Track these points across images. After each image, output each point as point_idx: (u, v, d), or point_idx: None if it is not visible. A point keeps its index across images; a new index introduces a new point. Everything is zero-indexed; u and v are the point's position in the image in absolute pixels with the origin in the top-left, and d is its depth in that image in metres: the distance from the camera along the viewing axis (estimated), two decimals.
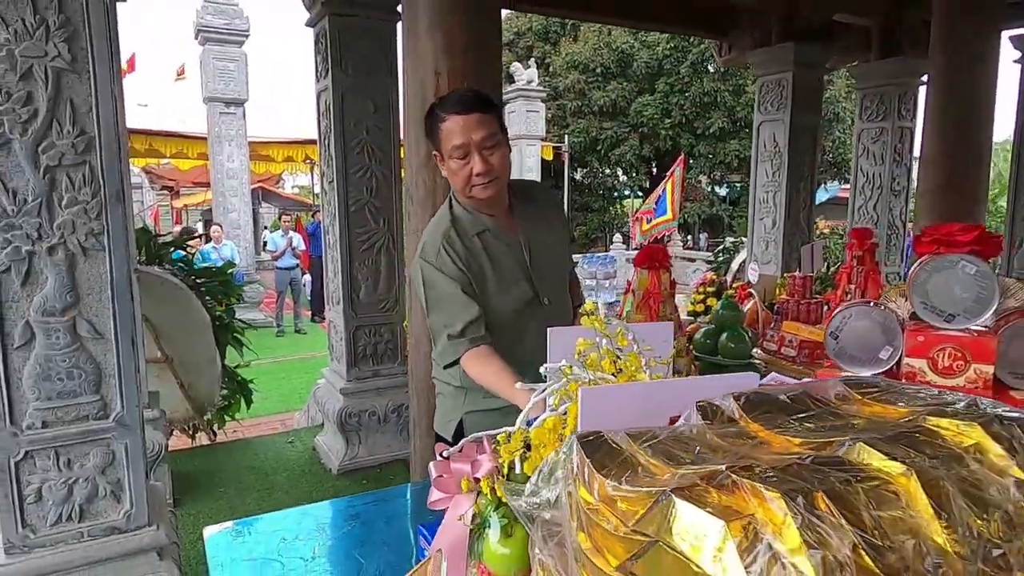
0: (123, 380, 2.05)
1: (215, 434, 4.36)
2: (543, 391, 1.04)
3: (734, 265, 6.89)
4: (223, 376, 4.15)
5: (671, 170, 14.05)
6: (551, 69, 17.81)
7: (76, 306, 1.97)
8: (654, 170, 17.78)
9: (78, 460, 2.02)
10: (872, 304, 1.60)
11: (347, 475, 3.81)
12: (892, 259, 6.31)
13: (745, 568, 0.43)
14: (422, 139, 2.52)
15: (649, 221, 14.26)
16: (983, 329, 1.46)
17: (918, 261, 1.51)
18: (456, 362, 1.70)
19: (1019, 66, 5.08)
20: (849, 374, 1.53)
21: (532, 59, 14.84)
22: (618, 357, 1.19)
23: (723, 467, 0.51)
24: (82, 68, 1.91)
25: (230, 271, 4.15)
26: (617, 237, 15.07)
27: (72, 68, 1.90)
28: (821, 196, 20.40)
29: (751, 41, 5.69)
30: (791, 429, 0.62)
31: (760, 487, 0.47)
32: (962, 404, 0.67)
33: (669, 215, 14.47)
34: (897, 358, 1.54)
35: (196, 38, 10.20)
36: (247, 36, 10.17)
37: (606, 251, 15.57)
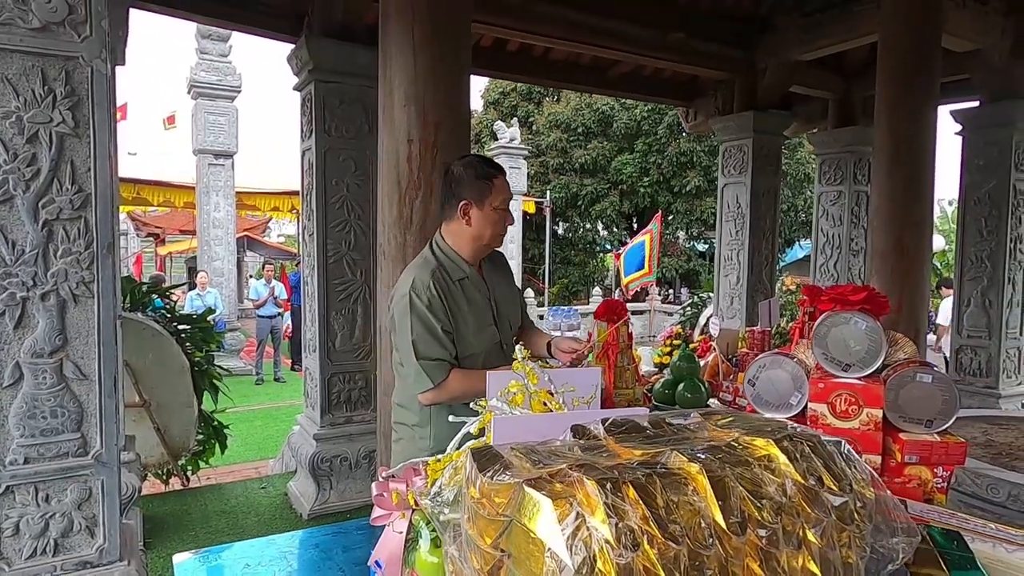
0: (104, 419, 2.18)
1: (188, 479, 4.42)
2: (471, 423, 1.22)
3: (702, 319, 7.13)
4: (199, 421, 4.24)
5: (648, 227, 14.49)
6: (534, 128, 18.42)
7: (64, 348, 2.12)
8: (634, 226, 18.27)
9: (56, 495, 2.13)
10: (783, 355, 1.80)
11: (317, 519, 3.88)
12: None
13: (562, 531, 0.61)
14: (395, 198, 2.75)
15: (627, 274, 14.59)
16: (873, 378, 1.66)
17: (820, 318, 1.73)
18: (432, 386, 1.88)
19: (960, 138, 5.47)
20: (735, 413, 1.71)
21: (515, 119, 15.39)
22: (551, 396, 1.38)
23: (565, 466, 0.69)
24: (83, 132, 2.11)
25: (210, 318, 4.29)
26: (596, 290, 15.33)
27: (75, 133, 2.10)
28: (797, 253, 21.00)
29: (715, 109, 6.08)
30: (638, 445, 0.80)
31: (584, 478, 0.65)
32: (780, 430, 0.85)
33: (647, 269, 14.81)
34: (804, 403, 1.73)
35: (189, 92, 10.54)
36: (238, 92, 10.53)
37: (587, 303, 15.89)
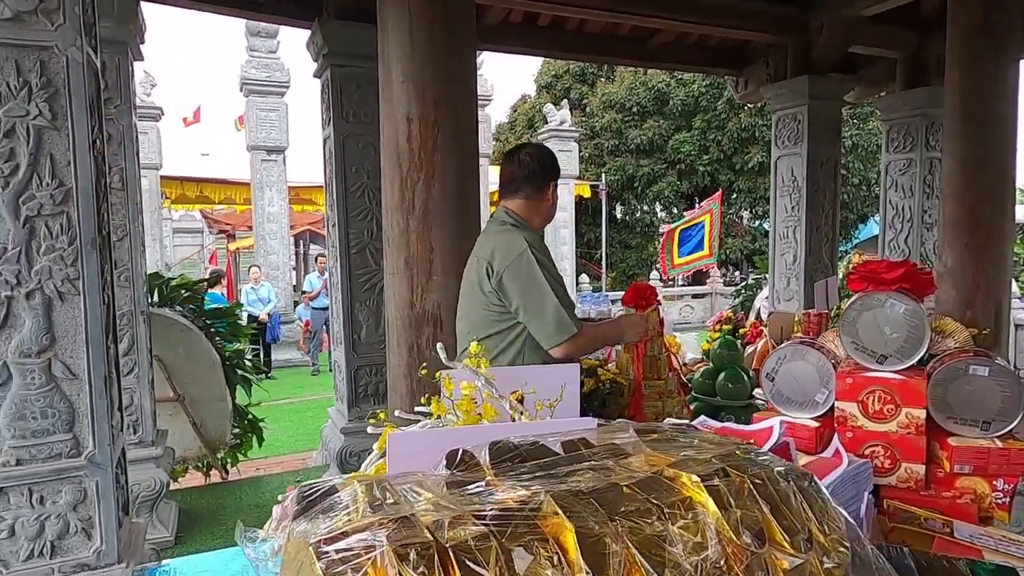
0: (96, 420, 2.12)
1: (227, 472, 4.44)
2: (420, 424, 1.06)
3: (756, 303, 6.71)
4: (233, 415, 4.25)
5: (707, 206, 13.90)
6: (588, 110, 18.00)
7: (52, 348, 2.07)
8: (696, 207, 17.60)
9: (50, 497, 2.10)
10: (807, 344, 1.54)
11: None
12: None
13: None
14: (396, 182, 2.59)
15: (681, 254, 14.05)
16: (915, 371, 1.38)
17: (850, 300, 1.46)
18: (575, 332, 1.96)
19: None
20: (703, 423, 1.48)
21: (566, 101, 15.05)
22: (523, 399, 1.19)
23: (376, 520, 0.50)
24: (61, 125, 2.04)
25: (265, 311, 4.28)
26: (653, 275, 14.89)
27: (52, 125, 2.03)
28: (872, 229, 19.78)
29: (766, 76, 5.66)
30: (521, 480, 0.60)
31: (386, 544, 0.46)
32: (722, 459, 0.64)
33: (706, 251, 14.24)
34: (832, 401, 1.47)
35: (241, 90, 10.75)
36: (287, 87, 10.66)
37: None
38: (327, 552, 0.46)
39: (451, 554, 0.45)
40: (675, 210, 17.70)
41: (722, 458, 0.61)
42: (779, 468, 0.60)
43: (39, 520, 2.08)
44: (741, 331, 4.81)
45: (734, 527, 0.53)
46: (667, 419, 1.67)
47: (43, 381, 2.05)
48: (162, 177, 11.17)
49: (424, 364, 1.87)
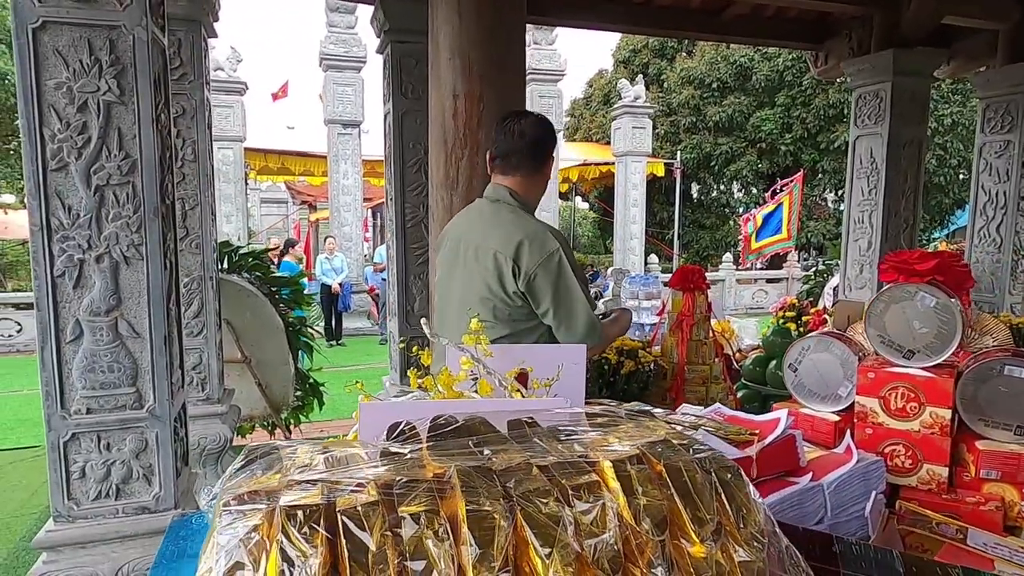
0: (156, 376, 2.29)
1: (290, 431, 4.69)
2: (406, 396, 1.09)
3: (827, 289, 6.41)
4: (296, 378, 4.47)
5: (788, 187, 13.31)
6: (665, 85, 17.50)
7: (118, 308, 2.24)
8: (778, 187, 16.88)
9: (116, 445, 2.29)
10: (832, 335, 1.49)
11: None
12: (1019, 288, 5.59)
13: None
14: (442, 159, 2.63)
15: (759, 237, 13.55)
16: (944, 369, 1.31)
17: (879, 291, 1.39)
18: (599, 338, 1.90)
19: None
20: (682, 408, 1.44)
21: (640, 76, 14.67)
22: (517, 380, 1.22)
23: (285, 483, 0.54)
24: (128, 100, 2.18)
25: (338, 280, 4.46)
26: (727, 257, 14.45)
27: (120, 100, 2.17)
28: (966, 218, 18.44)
29: (848, 50, 5.33)
30: (452, 457, 0.62)
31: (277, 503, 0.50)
32: (653, 444, 0.64)
33: (784, 234, 13.69)
34: (855, 396, 1.42)
35: (320, 65, 11.06)
36: (364, 62, 10.88)
37: (717, 270, 15.01)
38: (230, 508, 0.50)
39: (339, 518, 0.48)
40: (754, 191, 17.07)
41: (649, 445, 0.62)
42: (702, 458, 0.59)
43: (106, 465, 2.28)
44: (805, 318, 4.63)
45: (635, 513, 0.53)
46: (697, 406, 1.64)
47: (110, 338, 2.23)
48: (246, 149, 11.68)
49: (403, 339, 1.94)
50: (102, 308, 2.21)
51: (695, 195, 18.26)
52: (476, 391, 1.09)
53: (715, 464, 0.59)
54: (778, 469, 1.19)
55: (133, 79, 2.17)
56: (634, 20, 4.90)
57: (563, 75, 11.81)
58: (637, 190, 12.89)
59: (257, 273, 4.13)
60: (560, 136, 14.19)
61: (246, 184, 13.89)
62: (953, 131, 14.50)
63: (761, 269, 15.62)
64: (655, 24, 5.09)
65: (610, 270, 11.31)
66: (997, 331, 1.45)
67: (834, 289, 5.99)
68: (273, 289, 4.18)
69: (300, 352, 4.41)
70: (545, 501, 0.52)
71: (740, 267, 15.51)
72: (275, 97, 17.25)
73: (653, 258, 13.96)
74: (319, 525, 0.47)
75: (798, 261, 14.27)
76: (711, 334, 2.96)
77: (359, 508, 0.49)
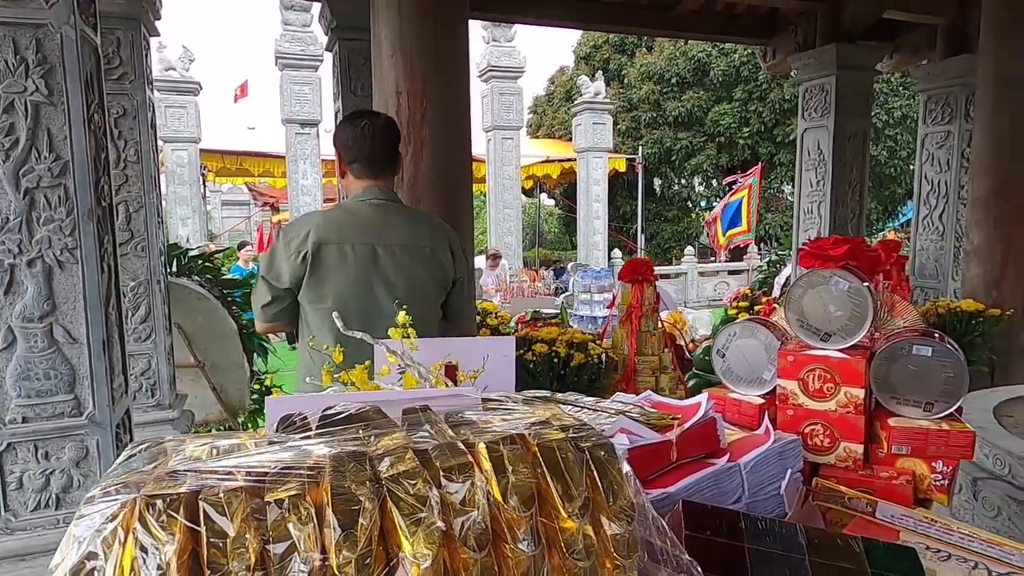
0: (95, 382, 2.24)
1: None
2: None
3: (779, 280, 6.56)
4: (252, 381, 4.41)
5: (746, 180, 13.57)
6: (626, 81, 17.65)
7: (53, 313, 2.18)
8: (738, 178, 17.17)
9: (54, 453, 2.23)
10: (757, 321, 1.53)
11: None
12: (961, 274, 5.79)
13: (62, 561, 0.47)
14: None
15: (724, 231, 13.79)
16: (858, 350, 1.36)
17: (797, 277, 1.44)
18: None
19: None
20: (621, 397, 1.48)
21: (600, 72, 14.78)
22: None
23: (155, 474, 0.54)
24: (58, 100, 2.12)
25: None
26: (689, 250, 14.66)
27: (49, 101, 2.12)
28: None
29: (795, 45, 5.46)
30: (333, 441, 0.63)
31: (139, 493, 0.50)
32: (536, 426, 0.66)
33: (744, 227, 13.95)
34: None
35: (276, 64, 10.89)
36: (321, 61, 10.75)
37: (679, 263, 15.23)
38: (93, 500, 0.50)
39: (200, 505, 0.49)
40: (714, 184, 17.34)
41: (528, 426, 0.63)
42: (577, 437, 0.61)
43: (44, 474, 2.22)
44: (756, 308, 4.74)
45: (504, 491, 0.55)
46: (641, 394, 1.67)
47: (45, 344, 2.17)
48: (203, 150, 11.45)
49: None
50: (36, 314, 2.15)
51: (657, 189, 18.48)
52: (401, 385, 1.10)
53: (589, 442, 0.61)
54: (699, 451, 1.23)
55: (62, 79, 2.12)
56: (582, 16, 4.93)
57: (523, 72, 11.84)
58: (599, 185, 13.00)
59: (208, 276, 4.06)
60: (523, 133, 14.23)
61: (204, 186, 13.63)
62: (903, 124, 14.93)
63: (725, 261, 15.90)
64: (605, 20, 5.13)
65: (570, 265, 11.38)
66: (908, 313, 1.51)
67: (786, 279, 6.14)
68: (225, 292, 4.11)
69: (255, 355, 4.35)
70: (413, 482, 0.54)
71: (712, 259, 15.78)
72: (236, 97, 16.92)
73: (616, 252, 14.08)
74: (178, 513, 0.48)
75: (758, 253, 14.54)
76: (660, 325, 3.00)
77: (221, 495, 0.49)
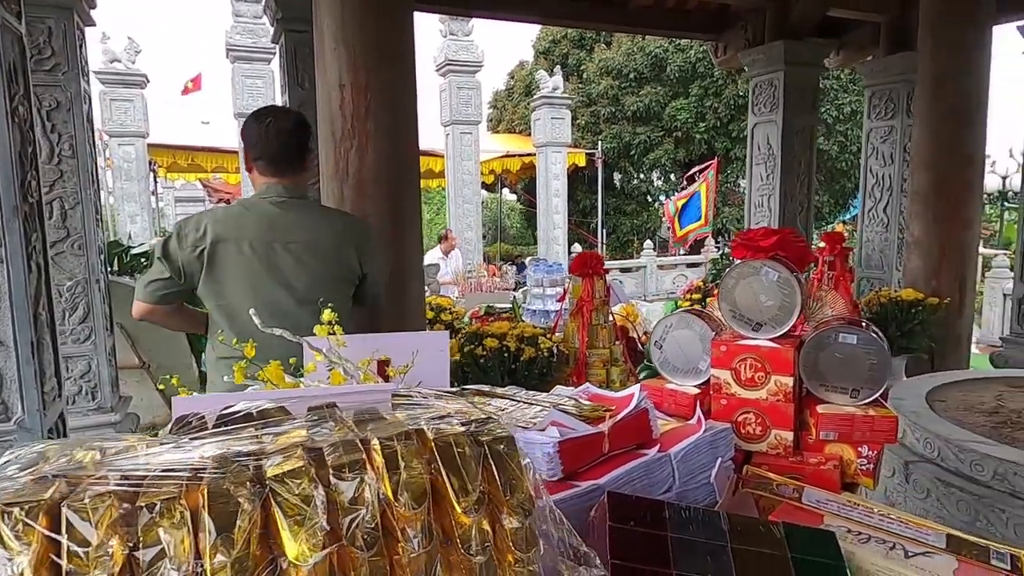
0: (24, 386, 2.15)
1: None
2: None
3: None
4: (200, 381, 4.30)
5: (703, 174, 13.78)
6: (585, 76, 17.75)
7: None
8: (696, 172, 17.42)
9: None
10: (693, 312, 1.55)
11: None
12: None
13: None
14: (330, 150, 2.58)
15: (683, 226, 13.99)
16: (788, 339, 1.39)
17: (729, 268, 1.46)
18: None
19: None
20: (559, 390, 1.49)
21: (558, 67, 14.83)
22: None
23: (23, 480, 0.51)
24: None
25: None
26: (648, 244, 14.83)
27: None
28: None
29: (745, 41, 5.55)
30: (226, 441, 0.61)
31: None
32: (431, 418, 0.65)
33: (702, 220, 14.17)
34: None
35: (227, 56, 10.62)
36: (273, 54, 10.51)
37: (638, 257, 15.41)
38: None
39: (63, 512, 0.46)
40: (672, 178, 17.57)
41: (428, 420, 0.62)
42: (477, 431, 0.61)
43: None
44: (708, 300, 4.82)
45: (395, 488, 0.54)
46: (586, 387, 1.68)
47: None
48: (151, 145, 11.11)
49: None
50: None
51: (617, 183, 18.64)
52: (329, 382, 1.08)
53: (489, 436, 0.60)
54: (631, 442, 1.23)
55: None
56: (534, 10, 4.92)
57: (481, 66, 11.79)
58: (559, 180, 13.04)
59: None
60: (483, 128, 14.18)
61: (155, 181, 13.23)
62: (853, 119, 15.34)
63: (684, 255, 16.13)
64: (558, 14, 5.12)
65: (528, 260, 11.40)
66: (835, 302, 1.55)
67: None
68: None
69: (203, 354, 4.24)
70: (298, 481, 0.52)
71: (668, 253, 15.96)
72: (186, 91, 16.41)
73: (577, 247, 14.16)
74: (37, 521, 0.45)
75: (716, 246, 14.80)
76: (611, 318, 3.02)
77: (87, 501, 0.47)
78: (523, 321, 3.50)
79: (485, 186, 20.35)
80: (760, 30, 5.39)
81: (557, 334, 3.14)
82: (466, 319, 3.79)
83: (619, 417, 1.22)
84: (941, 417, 1.95)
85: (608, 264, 15.16)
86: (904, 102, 5.77)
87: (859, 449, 1.34)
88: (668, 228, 14.78)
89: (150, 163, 11.53)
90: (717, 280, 6.88)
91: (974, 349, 8.87)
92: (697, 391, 1.48)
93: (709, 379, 1.49)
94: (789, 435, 1.36)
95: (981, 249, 9.08)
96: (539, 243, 13.57)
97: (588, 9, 5.23)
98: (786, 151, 5.19)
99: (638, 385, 1.29)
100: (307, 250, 1.96)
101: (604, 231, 16.92)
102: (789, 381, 1.34)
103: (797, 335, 1.42)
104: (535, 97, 13.27)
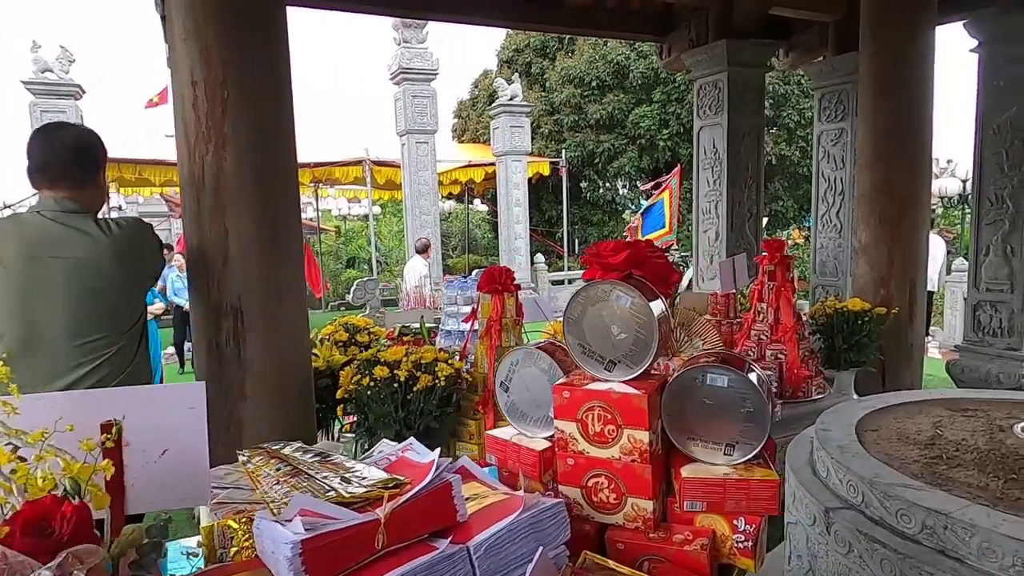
0: None
1: None
2: None
3: (683, 283, 6.46)
4: None
5: (667, 182, 13.62)
6: (548, 85, 17.57)
7: None
8: (662, 180, 17.26)
9: None
10: (543, 346, 1.25)
11: None
12: None
13: None
14: (185, 154, 2.26)
15: (645, 232, 13.82)
16: (647, 380, 1.10)
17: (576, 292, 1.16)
18: None
19: (975, 56, 4.60)
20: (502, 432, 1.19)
21: (516, 75, 14.62)
22: None
23: None
24: None
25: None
26: None
27: None
28: None
29: (689, 42, 5.34)
30: None
31: None
32: None
33: (666, 228, 14.01)
34: None
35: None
36: None
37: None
38: None
39: None
40: (637, 186, 17.44)
41: None
42: None
43: None
44: None
45: None
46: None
47: None
48: None
49: None
50: None
51: (584, 192, 18.45)
52: None
53: None
54: (426, 529, 0.93)
55: None
56: (466, 8, 4.62)
57: (436, 74, 11.51)
58: (519, 189, 12.78)
59: None
60: (443, 137, 13.89)
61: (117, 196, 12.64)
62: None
63: None
64: (481, 13, 4.75)
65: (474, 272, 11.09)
66: (706, 332, 1.26)
67: (689, 281, 6.02)
68: None
69: None
70: None
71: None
72: (151, 103, 15.80)
73: (540, 257, 13.92)
74: None
75: (679, 253, 14.64)
76: (519, 341, 2.72)
77: None
78: (432, 344, 3.19)
79: (452, 196, 20.06)
80: (704, 31, 5.18)
81: (469, 357, 2.84)
82: (382, 341, 3.46)
83: (404, 498, 0.92)
84: (869, 452, 1.67)
85: (572, 275, 14.92)
86: (854, 104, 5.60)
87: (734, 523, 1.05)
88: (628, 236, 14.62)
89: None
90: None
91: (935, 353, 8.76)
92: (547, 445, 1.19)
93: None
94: (649, 504, 1.07)
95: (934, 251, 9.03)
96: (501, 254, 13.29)
97: (521, 8, 4.95)
98: (732, 155, 4.97)
99: (436, 452, 0.99)
100: (76, 268, 1.80)
101: (571, 241, 16.68)
102: (645, 437, 1.05)
103: (660, 376, 1.13)
104: (493, 105, 13.03)
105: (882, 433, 1.96)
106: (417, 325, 3.79)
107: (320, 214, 21.95)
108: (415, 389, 2.43)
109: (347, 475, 0.96)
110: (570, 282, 14.28)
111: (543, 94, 17.53)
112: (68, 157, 1.88)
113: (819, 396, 3.38)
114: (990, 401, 2.24)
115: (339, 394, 2.74)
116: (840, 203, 5.76)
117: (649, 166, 16.91)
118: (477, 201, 21.90)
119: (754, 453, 1.06)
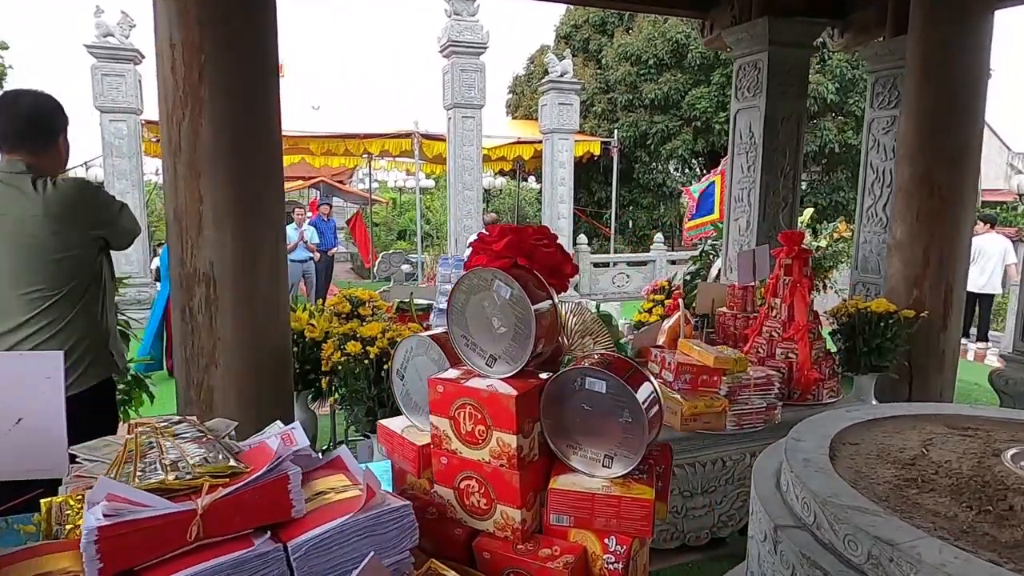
0: None
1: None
2: None
3: (712, 271, 6.20)
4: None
5: (719, 167, 13.16)
6: (604, 62, 17.16)
7: None
8: (718, 166, 16.72)
9: None
10: (435, 336, 1.18)
11: None
12: None
13: None
14: (164, 120, 2.26)
15: (695, 217, 13.42)
16: (525, 379, 1.01)
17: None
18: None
19: None
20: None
21: (567, 51, 14.30)
22: None
23: None
24: None
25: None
26: (658, 237, 14.30)
27: None
28: None
29: (731, 19, 5.06)
30: None
31: None
32: None
33: (716, 214, 13.56)
34: None
35: None
36: None
37: (647, 251, 14.84)
38: None
39: None
40: (688, 169, 16.95)
41: None
42: None
43: None
44: (668, 302, 4.40)
45: None
46: None
47: None
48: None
49: None
50: None
51: (636, 174, 18.04)
52: None
53: None
54: (252, 523, 0.88)
55: None
56: None
57: (485, 48, 11.34)
58: (564, 168, 12.56)
59: None
60: (491, 112, 13.76)
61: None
62: None
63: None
64: None
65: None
66: (600, 334, 1.16)
67: (718, 272, 5.79)
68: None
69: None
70: None
71: (681, 247, 15.34)
72: None
73: (583, 238, 13.72)
74: None
75: (664, 242, 14.23)
76: None
77: None
78: (418, 322, 3.14)
79: (504, 173, 19.91)
80: (747, 6, 4.89)
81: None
82: (383, 314, 3.44)
83: (228, 490, 0.86)
84: (836, 469, 1.52)
85: (616, 257, 14.65)
86: None
87: (605, 541, 0.96)
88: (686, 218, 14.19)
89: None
90: (698, 279, 6.40)
91: (994, 361, 8.22)
92: (425, 441, 1.12)
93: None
94: (516, 514, 0.99)
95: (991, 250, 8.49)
96: None
97: None
98: (768, 140, 4.71)
99: (278, 437, 0.93)
100: (15, 224, 1.91)
101: (619, 224, 16.37)
102: (512, 441, 0.97)
103: (542, 376, 1.04)
104: (543, 82, 12.80)
105: (861, 448, 1.80)
106: (404, 301, 3.75)
107: (377, 185, 22.16)
108: (386, 367, 2.39)
109: (179, 461, 0.91)
110: (614, 264, 14.04)
111: (598, 71, 17.14)
112: (23, 126, 1.99)
113: (830, 400, 3.19)
114: (996, 420, 2.04)
115: (324, 367, 2.74)
116: (888, 196, 5.40)
117: (704, 149, 16.39)
118: (532, 179, 21.73)
119: (632, 467, 0.96)
